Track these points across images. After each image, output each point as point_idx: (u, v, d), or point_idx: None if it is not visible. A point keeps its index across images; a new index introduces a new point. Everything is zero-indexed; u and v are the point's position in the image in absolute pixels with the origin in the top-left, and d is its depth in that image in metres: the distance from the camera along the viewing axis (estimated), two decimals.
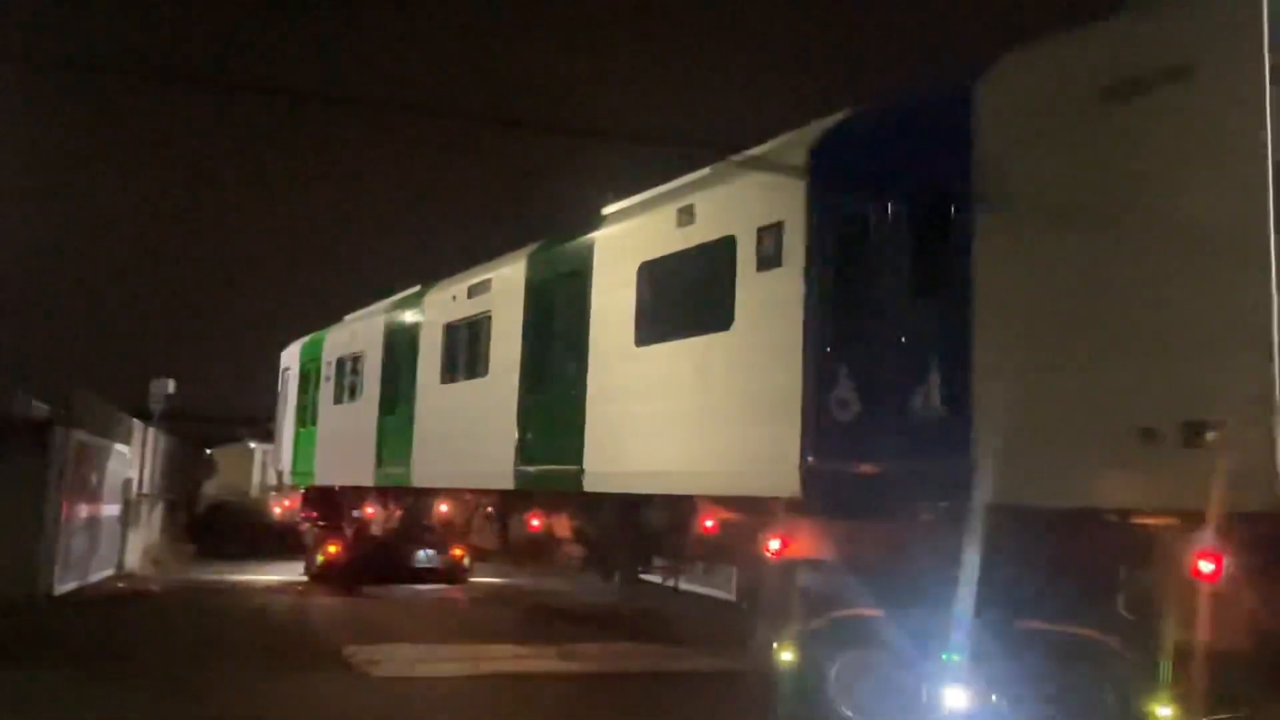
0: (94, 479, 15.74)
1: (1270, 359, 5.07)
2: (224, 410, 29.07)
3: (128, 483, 17.29)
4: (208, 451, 26.78)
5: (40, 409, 14.83)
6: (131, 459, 17.54)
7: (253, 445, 26.55)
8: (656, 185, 10.23)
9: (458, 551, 17.83)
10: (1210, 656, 5.81)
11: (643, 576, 11.07)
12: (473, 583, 18.62)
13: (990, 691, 6.52)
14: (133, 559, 18.61)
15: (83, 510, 15.44)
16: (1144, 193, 5.73)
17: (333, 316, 19.02)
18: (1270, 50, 5.22)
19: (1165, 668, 5.86)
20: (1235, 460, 5.14)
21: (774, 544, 7.75)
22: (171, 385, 17.78)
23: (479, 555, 16.90)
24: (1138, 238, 5.73)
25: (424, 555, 17.97)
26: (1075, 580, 6.32)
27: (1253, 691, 6.43)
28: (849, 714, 7.20)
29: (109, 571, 17.16)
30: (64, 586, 14.59)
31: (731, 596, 10.53)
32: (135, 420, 18.32)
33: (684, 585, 11.30)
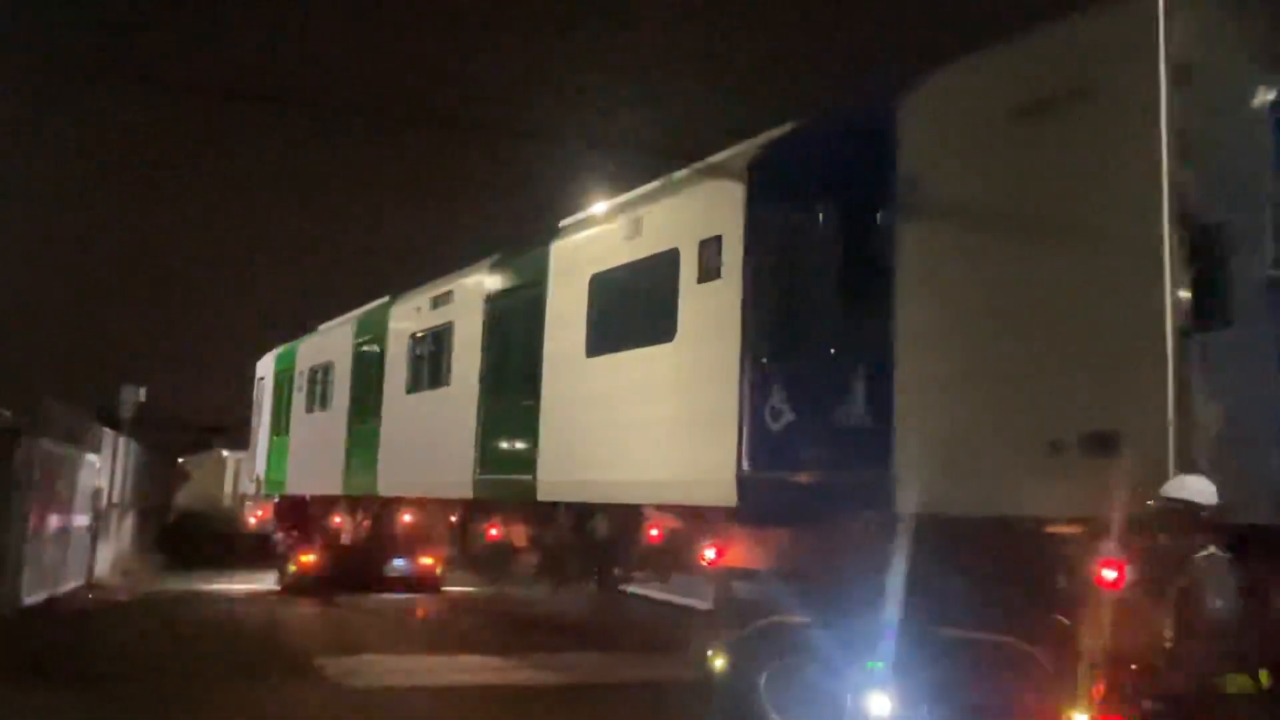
0: (62, 488, 15.61)
1: (1165, 371, 5.19)
2: (196, 419, 29.11)
3: (97, 492, 17.21)
4: (179, 460, 26.71)
5: (6, 417, 14.69)
6: (101, 468, 17.44)
7: (225, 454, 26.56)
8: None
9: (430, 560, 17.90)
10: (1125, 663, 5.96)
11: (622, 587, 11.17)
12: (445, 591, 18.69)
13: (914, 699, 6.62)
14: (102, 569, 18.46)
15: (51, 520, 15.30)
16: (1052, 208, 5.86)
17: (309, 325, 19.14)
18: (1167, 70, 5.36)
19: (1083, 675, 5.97)
20: (1133, 470, 5.26)
21: (710, 553, 7.86)
22: (142, 393, 17.72)
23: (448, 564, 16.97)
24: (1045, 252, 5.86)
25: (397, 564, 18.04)
26: (996, 588, 6.41)
27: (1171, 698, 6.62)
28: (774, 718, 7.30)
29: (78, 582, 17.01)
30: (32, 598, 14.46)
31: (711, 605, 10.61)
32: (105, 429, 18.21)
33: (661, 594, 11.40)
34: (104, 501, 17.68)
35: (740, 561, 7.79)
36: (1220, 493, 5.08)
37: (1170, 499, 4.97)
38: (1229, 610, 4.91)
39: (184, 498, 25.97)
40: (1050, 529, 6.00)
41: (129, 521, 21.24)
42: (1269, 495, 5.48)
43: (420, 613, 16.98)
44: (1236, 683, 5.19)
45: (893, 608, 6.66)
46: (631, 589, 11.45)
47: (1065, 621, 6.02)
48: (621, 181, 10.52)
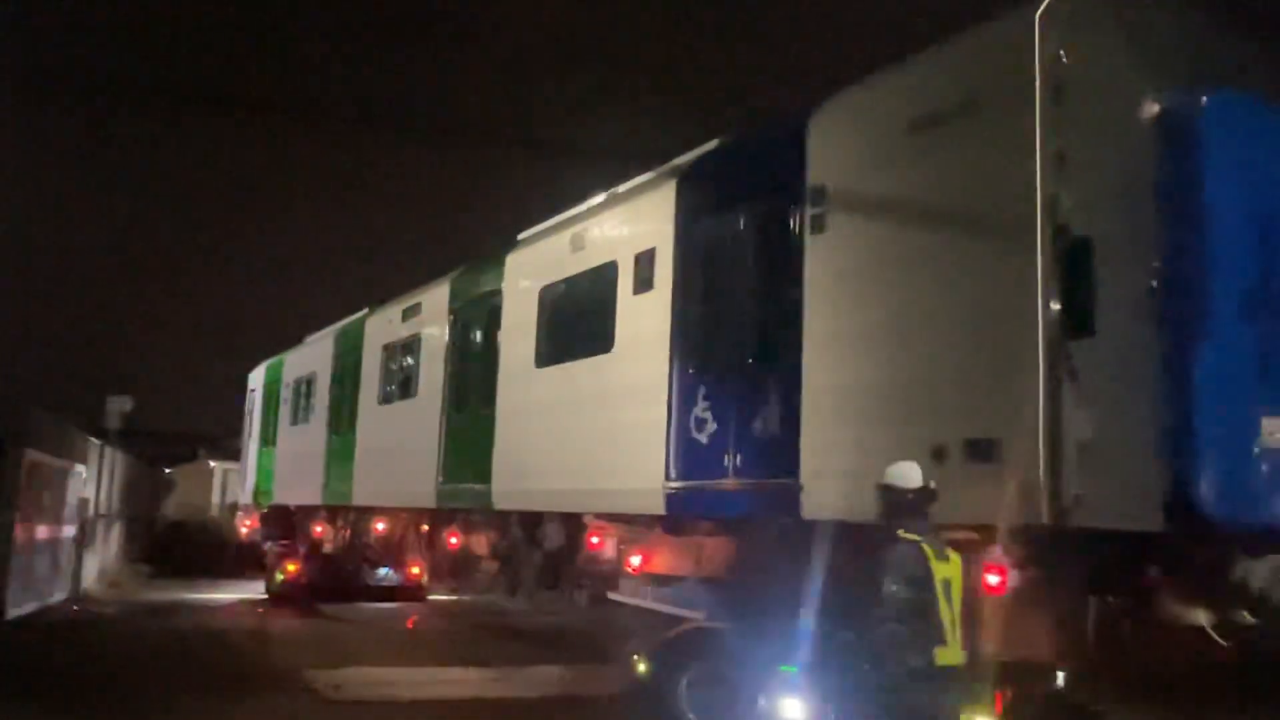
0: (48, 499, 15.63)
1: (1036, 379, 5.31)
2: (184, 429, 29.29)
3: (84, 503, 17.32)
4: (166, 471, 26.93)
5: None
6: (88, 478, 17.55)
7: (212, 464, 26.79)
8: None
9: (415, 569, 18.05)
10: (1020, 668, 6.06)
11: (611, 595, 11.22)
12: (430, 600, 18.83)
13: (824, 702, 6.72)
14: (90, 581, 18.44)
15: (37, 532, 15.14)
16: (941, 221, 5.99)
17: (300, 337, 19.37)
18: (1042, 85, 5.49)
19: (985, 679, 6.07)
20: (1011, 476, 5.37)
21: (635, 560, 8.00)
22: (129, 403, 17.85)
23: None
24: (935, 263, 5.99)
25: (381, 573, 18.20)
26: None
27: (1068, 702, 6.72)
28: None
29: (63, 595, 16.91)
30: (18, 610, 14.30)
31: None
32: (92, 439, 18.31)
33: (654, 604, 11.43)
34: (90, 512, 17.78)
35: (665, 569, 7.92)
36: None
37: (882, 485, 5.07)
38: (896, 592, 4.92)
39: (171, 508, 26.19)
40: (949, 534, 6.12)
41: (116, 532, 21.33)
42: (1150, 503, 5.57)
43: (406, 622, 17.07)
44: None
45: (804, 612, 6.78)
46: (618, 598, 11.50)
47: (966, 626, 6.14)
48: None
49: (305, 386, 17.47)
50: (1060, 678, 6.74)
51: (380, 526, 14.68)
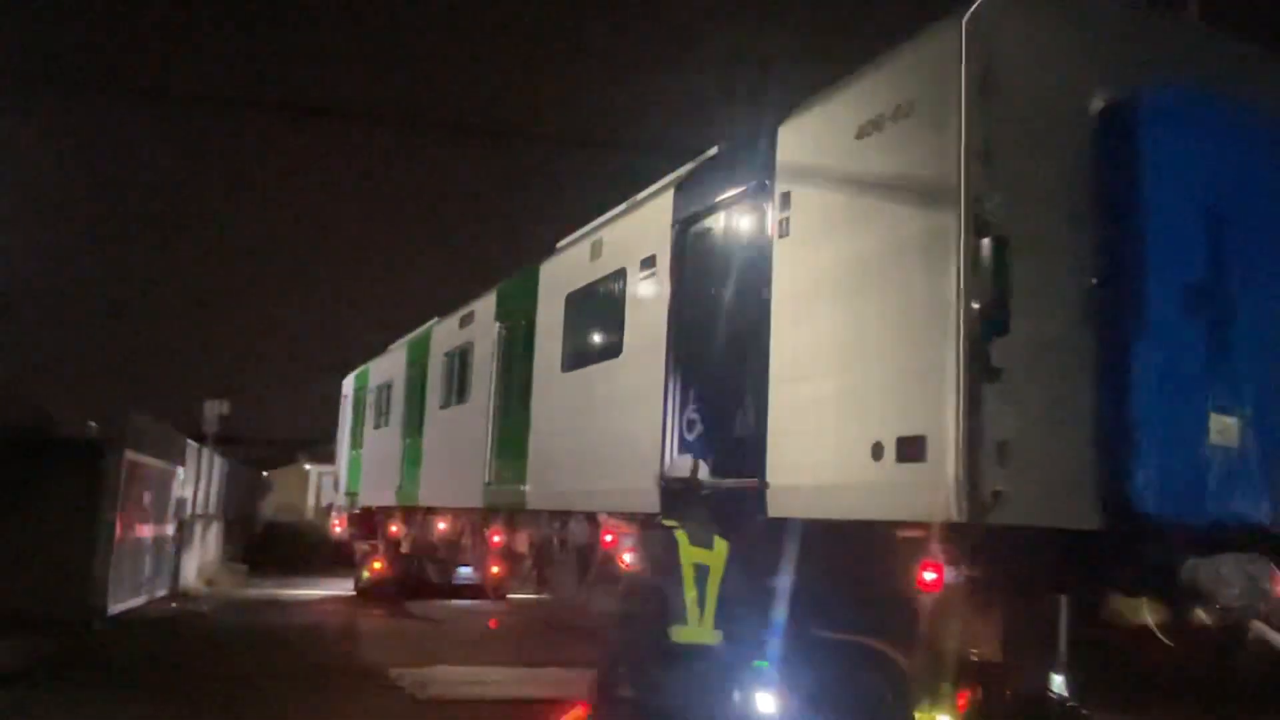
0: (148, 499, 16.24)
1: (956, 377, 5.37)
2: (283, 434, 30.66)
3: (182, 503, 18.16)
4: (265, 474, 28.18)
5: (94, 430, 15.76)
6: (186, 480, 18.37)
7: (307, 467, 27.96)
8: None
9: (495, 569, 18.59)
10: (968, 665, 6.10)
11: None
12: (511, 599, 19.35)
13: (792, 698, 6.85)
14: (188, 579, 19.17)
15: (137, 531, 15.63)
16: (882, 223, 6.09)
17: (390, 341, 20.18)
18: (969, 86, 5.55)
19: (940, 676, 6.13)
20: (935, 473, 5.45)
21: (629, 558, 8.24)
22: (225, 406, 18.82)
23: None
24: (873, 264, 6.09)
25: (463, 572, 18.81)
26: (858, 590, 6.62)
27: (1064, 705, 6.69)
28: (676, 717, 7.59)
29: (163, 591, 17.42)
30: (118, 607, 14.76)
31: None
32: (190, 441, 19.10)
33: None
34: (189, 512, 18.60)
35: None
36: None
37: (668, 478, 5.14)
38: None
39: (268, 508, 27.44)
40: (890, 532, 6.20)
41: (214, 532, 22.25)
42: (1088, 501, 5.57)
43: (489, 622, 17.46)
44: None
45: (776, 609, 6.93)
46: None
47: (913, 624, 6.21)
48: None
49: (385, 392, 18.27)
50: (1057, 681, 6.76)
51: (442, 526, 15.24)
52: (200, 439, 19.15)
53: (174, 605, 17.10)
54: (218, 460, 21.34)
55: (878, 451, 5.81)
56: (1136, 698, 6.14)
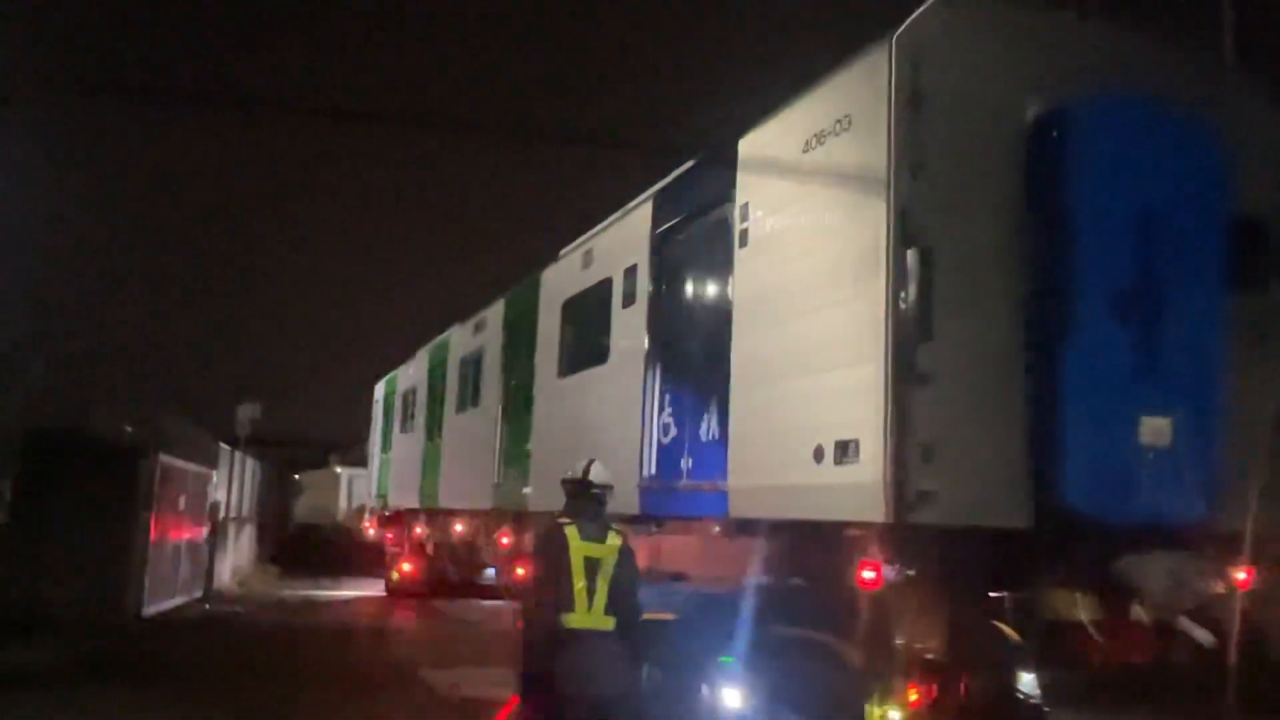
0: (181, 502, 16.47)
1: (886, 383, 5.58)
2: (314, 437, 31.19)
3: (215, 505, 18.47)
4: (296, 476, 28.81)
5: (129, 434, 15.42)
6: (219, 483, 18.88)
7: (339, 470, 28.52)
8: None
9: (521, 570, 18.94)
10: (919, 662, 6.30)
11: None
12: None
13: (755, 693, 7.08)
14: (221, 580, 19.49)
15: (170, 533, 15.91)
16: (821, 231, 6.33)
17: (419, 346, 20.61)
18: (898, 100, 5.76)
19: (890, 673, 6.33)
20: (866, 475, 5.67)
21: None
22: (257, 410, 19.24)
23: None
24: (816, 272, 6.32)
25: (489, 572, 19.20)
26: (817, 588, 6.84)
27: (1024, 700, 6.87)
28: (655, 709, 7.87)
29: (197, 593, 17.69)
30: (152, 608, 14.99)
31: None
32: (223, 445, 19.48)
33: None
34: (222, 515, 19.04)
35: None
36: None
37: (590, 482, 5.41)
38: None
39: (300, 511, 28.06)
40: (838, 531, 6.41)
41: (247, 533, 22.77)
42: (1018, 501, 5.74)
43: (517, 621, 17.59)
44: None
45: (741, 606, 7.18)
46: None
47: (860, 621, 6.42)
48: None
49: (411, 397, 18.74)
50: (1026, 680, 6.93)
51: (459, 528, 15.63)
52: (233, 442, 19.67)
53: (208, 607, 17.47)
54: (250, 463, 21.84)
55: (819, 454, 6.04)
56: (1102, 695, 6.30)
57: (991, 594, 6.23)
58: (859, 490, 5.68)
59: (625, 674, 5.21)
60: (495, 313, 13.63)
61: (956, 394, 5.63)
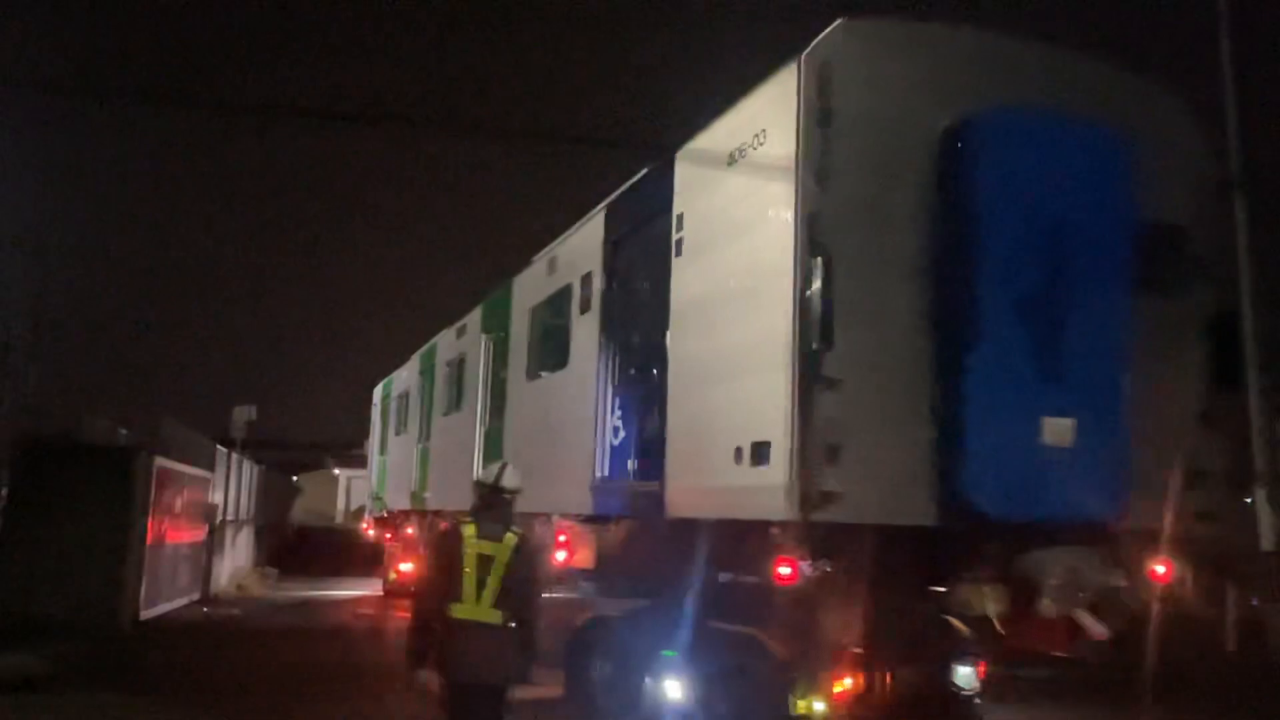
0: (178, 505, 16.40)
1: (792, 387, 5.83)
2: (312, 439, 31.51)
3: (213, 508, 18.56)
4: (294, 478, 29.11)
5: (125, 436, 15.80)
6: (216, 485, 19.00)
7: (336, 472, 28.84)
8: None
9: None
10: (845, 655, 6.54)
11: None
12: (572, 599, 19.85)
13: (692, 685, 7.34)
14: (220, 583, 19.57)
15: (167, 536, 15.82)
16: (741, 241, 6.58)
17: (416, 348, 20.90)
18: (805, 115, 6.01)
19: (814, 666, 6.57)
20: (775, 475, 5.92)
21: (560, 555, 8.81)
22: (253, 412, 19.42)
23: None
24: (736, 281, 6.58)
25: None
26: (746, 584, 7.10)
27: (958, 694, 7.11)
28: (606, 701, 8.15)
29: (195, 596, 17.71)
30: (150, 612, 14.94)
31: None
32: (220, 447, 19.56)
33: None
34: (219, 517, 19.23)
35: (583, 563, 8.71)
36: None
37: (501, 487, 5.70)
38: None
39: (299, 513, 28.35)
40: (761, 530, 6.65)
41: (245, 536, 23.10)
42: (924, 499, 5.98)
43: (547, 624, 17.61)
44: None
45: (681, 602, 7.44)
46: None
47: (783, 615, 6.67)
48: None
49: (404, 401, 19.07)
50: (963, 673, 7.16)
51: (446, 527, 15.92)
52: (229, 445, 19.94)
53: (205, 610, 17.53)
54: (247, 465, 22.08)
55: (739, 456, 6.29)
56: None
57: (934, 588, 6.45)
58: (771, 490, 5.93)
59: (509, 663, 5.51)
60: (474, 318, 13.92)
61: (863, 398, 5.87)
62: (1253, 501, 15.60)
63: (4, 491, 13.33)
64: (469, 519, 5.80)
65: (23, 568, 13.31)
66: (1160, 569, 6.61)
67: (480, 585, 5.44)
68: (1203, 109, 7.12)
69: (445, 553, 5.63)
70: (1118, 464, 6.15)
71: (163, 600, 16.07)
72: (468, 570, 5.44)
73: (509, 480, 5.84)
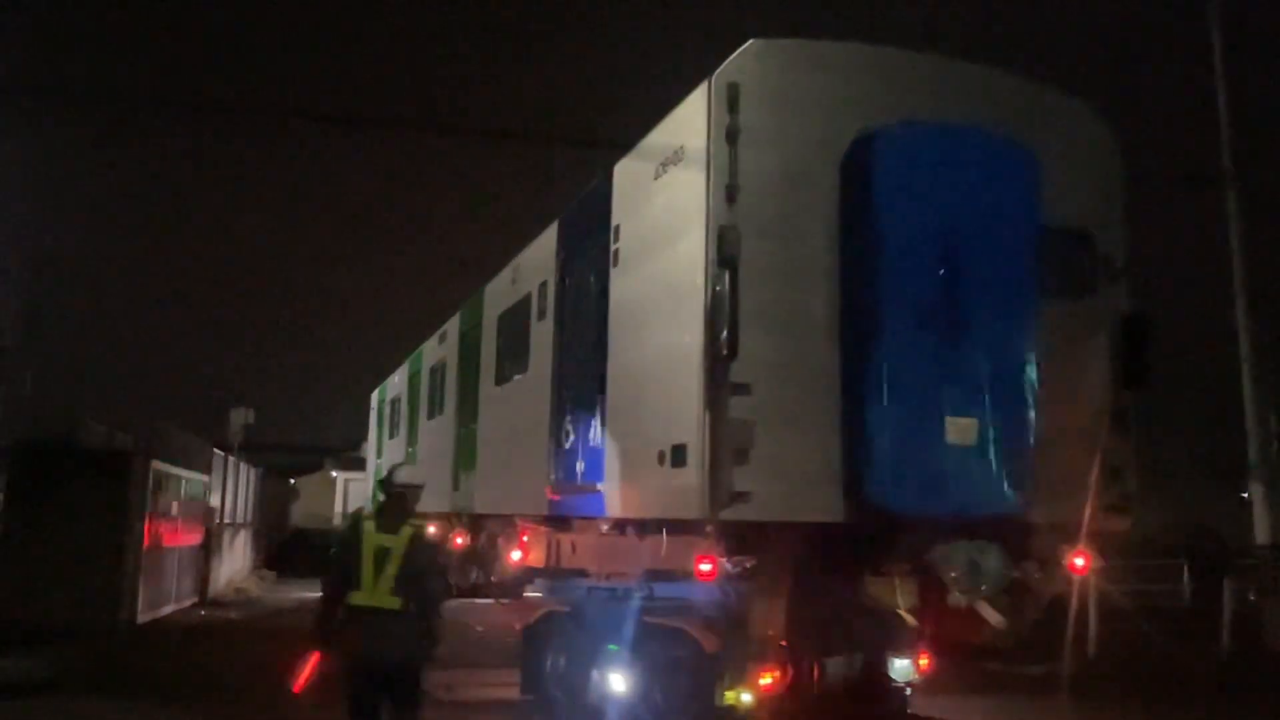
0: (175, 508, 16.41)
1: (704, 392, 6.14)
2: (310, 442, 31.90)
3: (209, 511, 18.73)
4: (291, 481, 29.42)
5: (122, 439, 16.01)
6: (213, 488, 19.20)
7: (334, 474, 29.13)
8: None
9: (508, 569, 19.58)
10: (771, 648, 6.83)
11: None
12: (526, 597, 20.19)
13: (634, 677, 7.64)
14: (217, 586, 19.52)
15: (165, 539, 15.82)
16: (663, 253, 6.89)
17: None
18: (715, 133, 6.31)
19: (741, 658, 6.85)
20: (693, 477, 6.22)
21: (515, 555, 9.15)
22: (250, 415, 19.66)
23: None
24: (660, 290, 6.89)
25: (476, 572, 19.82)
26: (676, 579, 7.38)
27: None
28: (558, 695, 8.47)
29: (192, 599, 17.71)
30: (146, 616, 14.87)
31: None
32: (217, 450, 19.60)
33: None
34: (216, 520, 19.45)
35: (537, 562, 9.05)
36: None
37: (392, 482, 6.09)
38: None
39: (296, 516, 28.62)
40: (683, 528, 6.95)
41: (241, 539, 22.88)
42: (833, 497, 6.28)
43: (503, 622, 17.83)
44: None
45: (622, 598, 7.76)
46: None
47: (710, 609, 6.97)
48: None
49: (396, 405, 19.48)
50: (897, 665, 7.44)
51: (432, 530, 16.27)
52: (227, 448, 20.13)
53: (203, 613, 17.53)
54: (244, 468, 22.31)
55: (662, 458, 6.60)
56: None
57: (855, 582, 6.73)
58: (687, 490, 6.24)
59: (406, 647, 5.94)
60: (453, 325, 14.31)
61: (771, 402, 6.17)
62: (1248, 496, 15.89)
63: (1, 496, 13.58)
64: (369, 514, 6.22)
65: (20, 572, 13.44)
66: (1079, 561, 6.89)
67: (378, 575, 5.85)
68: (1112, 113, 7.38)
69: (347, 545, 6.06)
70: (1023, 460, 6.42)
71: (160, 604, 16.16)
72: (366, 561, 5.86)
73: (399, 477, 6.27)
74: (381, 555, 5.89)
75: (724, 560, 6.46)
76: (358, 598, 5.87)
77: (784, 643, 6.76)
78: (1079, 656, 8.98)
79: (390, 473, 6.36)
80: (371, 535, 5.95)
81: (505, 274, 11.53)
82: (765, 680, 6.84)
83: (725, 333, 6.02)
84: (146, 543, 15.17)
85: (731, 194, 6.23)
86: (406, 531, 6.00)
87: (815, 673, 7.05)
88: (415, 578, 5.88)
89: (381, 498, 6.39)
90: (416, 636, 5.99)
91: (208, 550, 18.65)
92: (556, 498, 8.90)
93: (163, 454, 15.83)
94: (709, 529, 6.36)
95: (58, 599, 13.64)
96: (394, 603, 5.85)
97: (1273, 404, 15.66)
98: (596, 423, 8.06)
